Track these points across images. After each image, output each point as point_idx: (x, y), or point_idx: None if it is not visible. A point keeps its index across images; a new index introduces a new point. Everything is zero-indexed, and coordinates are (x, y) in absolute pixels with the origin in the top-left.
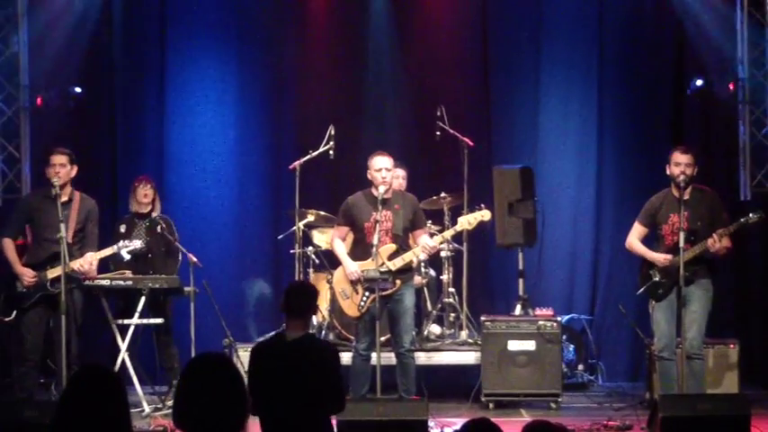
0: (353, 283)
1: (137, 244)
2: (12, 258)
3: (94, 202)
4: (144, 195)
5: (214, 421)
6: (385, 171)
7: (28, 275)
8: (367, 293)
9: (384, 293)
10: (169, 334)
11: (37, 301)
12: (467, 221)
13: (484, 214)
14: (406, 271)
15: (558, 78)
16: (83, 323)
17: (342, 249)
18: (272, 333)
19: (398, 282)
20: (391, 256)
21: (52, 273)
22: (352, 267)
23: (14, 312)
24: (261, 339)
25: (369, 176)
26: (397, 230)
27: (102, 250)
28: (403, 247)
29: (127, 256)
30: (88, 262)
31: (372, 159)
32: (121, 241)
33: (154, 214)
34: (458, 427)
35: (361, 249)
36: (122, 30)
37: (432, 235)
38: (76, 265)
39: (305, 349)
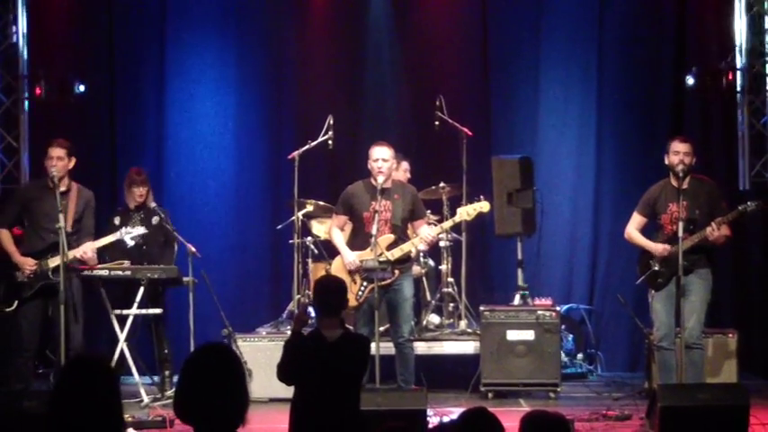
0: (352, 272)
1: (139, 230)
2: (10, 248)
3: (92, 194)
4: (139, 195)
5: (215, 412)
6: (381, 161)
7: (29, 265)
8: (365, 283)
9: (382, 283)
10: (164, 325)
11: (37, 291)
12: (466, 213)
13: (483, 206)
14: (405, 261)
15: (557, 68)
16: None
17: (340, 238)
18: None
19: (397, 272)
20: (390, 246)
21: (53, 262)
22: (350, 257)
23: (15, 302)
24: (294, 331)
25: (369, 166)
26: (396, 220)
27: (102, 239)
28: (402, 237)
29: (131, 242)
30: (91, 250)
31: (371, 149)
32: (123, 228)
33: (152, 205)
34: (455, 415)
35: (360, 239)
36: (122, 21)
37: (431, 225)
38: (78, 253)
39: (347, 348)
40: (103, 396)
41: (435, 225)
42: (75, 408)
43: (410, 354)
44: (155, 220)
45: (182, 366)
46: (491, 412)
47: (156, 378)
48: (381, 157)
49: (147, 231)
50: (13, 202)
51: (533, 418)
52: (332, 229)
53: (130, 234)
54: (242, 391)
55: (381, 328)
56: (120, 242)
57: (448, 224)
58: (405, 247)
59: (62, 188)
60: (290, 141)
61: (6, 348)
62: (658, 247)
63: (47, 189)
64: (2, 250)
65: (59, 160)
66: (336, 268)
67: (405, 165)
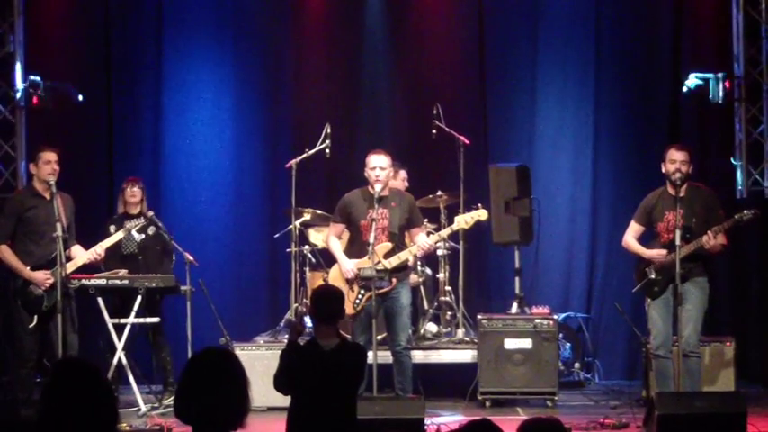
0: (349, 281)
1: (142, 221)
2: (18, 266)
3: (71, 197)
4: (131, 195)
5: (215, 415)
6: (379, 169)
7: (45, 278)
8: (362, 292)
9: (380, 292)
10: (163, 333)
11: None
12: (464, 221)
13: (481, 214)
14: (402, 269)
15: (554, 76)
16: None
17: (337, 247)
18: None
19: (394, 280)
20: (387, 255)
21: (70, 268)
22: (348, 265)
23: (36, 318)
24: (290, 341)
25: (366, 174)
26: (394, 228)
27: (108, 239)
28: (399, 245)
29: (140, 235)
30: (100, 252)
31: (368, 157)
32: (127, 222)
33: (150, 213)
34: (445, 418)
35: (357, 247)
36: (119, 30)
37: (428, 233)
38: (92, 255)
39: (343, 357)
40: (92, 400)
41: (433, 233)
42: (64, 413)
43: (407, 362)
44: (151, 230)
45: (183, 367)
46: (495, 423)
47: (153, 387)
48: (379, 165)
49: (147, 222)
50: (10, 215)
51: (530, 426)
52: (329, 238)
53: (137, 227)
54: (241, 394)
55: (379, 337)
56: (118, 249)
57: (446, 232)
58: (402, 256)
59: (49, 195)
60: (288, 150)
61: (10, 359)
62: (654, 253)
63: (39, 197)
64: (5, 266)
65: (56, 165)
66: (334, 277)
67: (403, 173)
